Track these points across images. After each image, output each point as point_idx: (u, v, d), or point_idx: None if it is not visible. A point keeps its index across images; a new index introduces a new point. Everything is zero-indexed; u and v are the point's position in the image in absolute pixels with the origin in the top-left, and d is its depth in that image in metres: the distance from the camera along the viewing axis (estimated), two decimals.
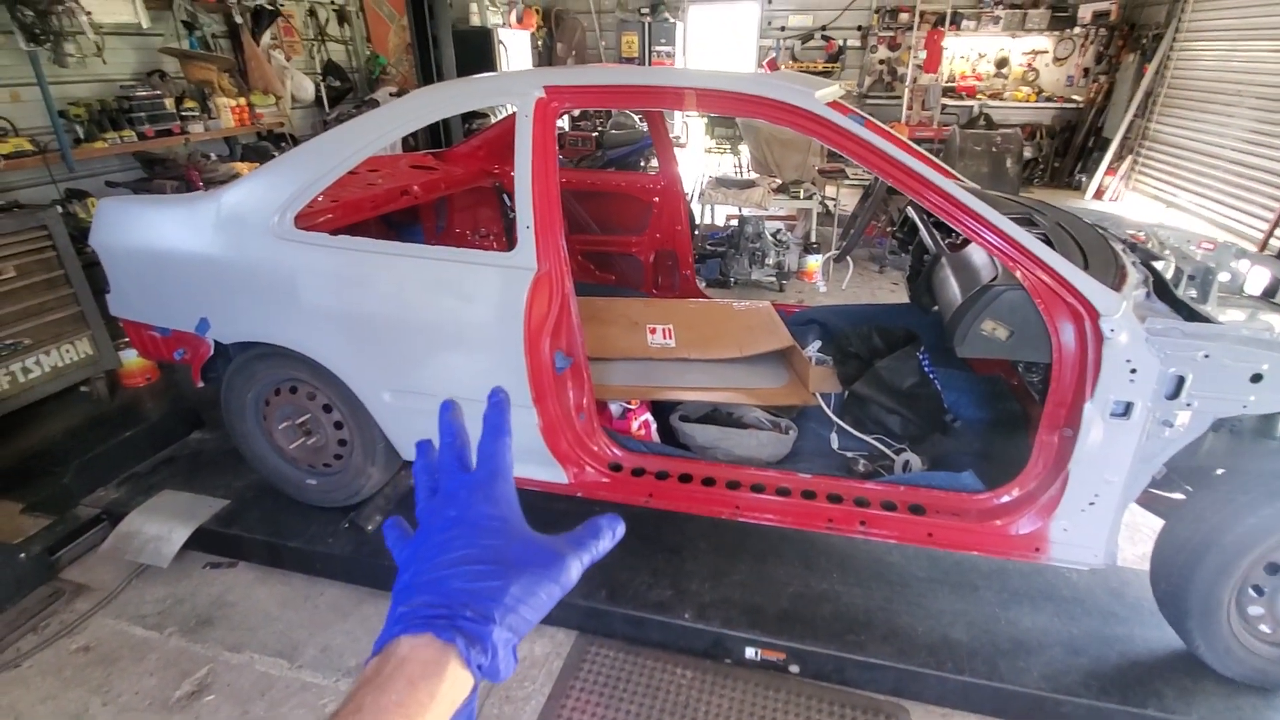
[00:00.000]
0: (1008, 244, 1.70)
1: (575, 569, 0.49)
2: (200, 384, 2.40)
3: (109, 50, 3.90)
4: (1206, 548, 1.74)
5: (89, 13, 3.67)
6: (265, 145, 4.75)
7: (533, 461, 2.13)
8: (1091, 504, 1.77)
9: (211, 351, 2.31)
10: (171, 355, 2.41)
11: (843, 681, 2.00)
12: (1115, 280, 1.72)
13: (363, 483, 2.39)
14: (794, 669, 2.01)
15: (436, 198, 3.19)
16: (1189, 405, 1.63)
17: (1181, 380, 1.60)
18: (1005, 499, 1.87)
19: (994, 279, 1.84)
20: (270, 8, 4.98)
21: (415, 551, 0.49)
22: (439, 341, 2.04)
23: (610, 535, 0.53)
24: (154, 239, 2.26)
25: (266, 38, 4.96)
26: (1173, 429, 1.66)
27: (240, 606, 2.31)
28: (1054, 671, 1.90)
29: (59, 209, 3.35)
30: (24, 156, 3.48)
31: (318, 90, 5.66)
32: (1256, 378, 1.58)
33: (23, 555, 2.33)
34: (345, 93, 5.92)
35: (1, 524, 2.61)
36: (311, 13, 5.71)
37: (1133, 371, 1.62)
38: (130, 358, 3.35)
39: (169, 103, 4.14)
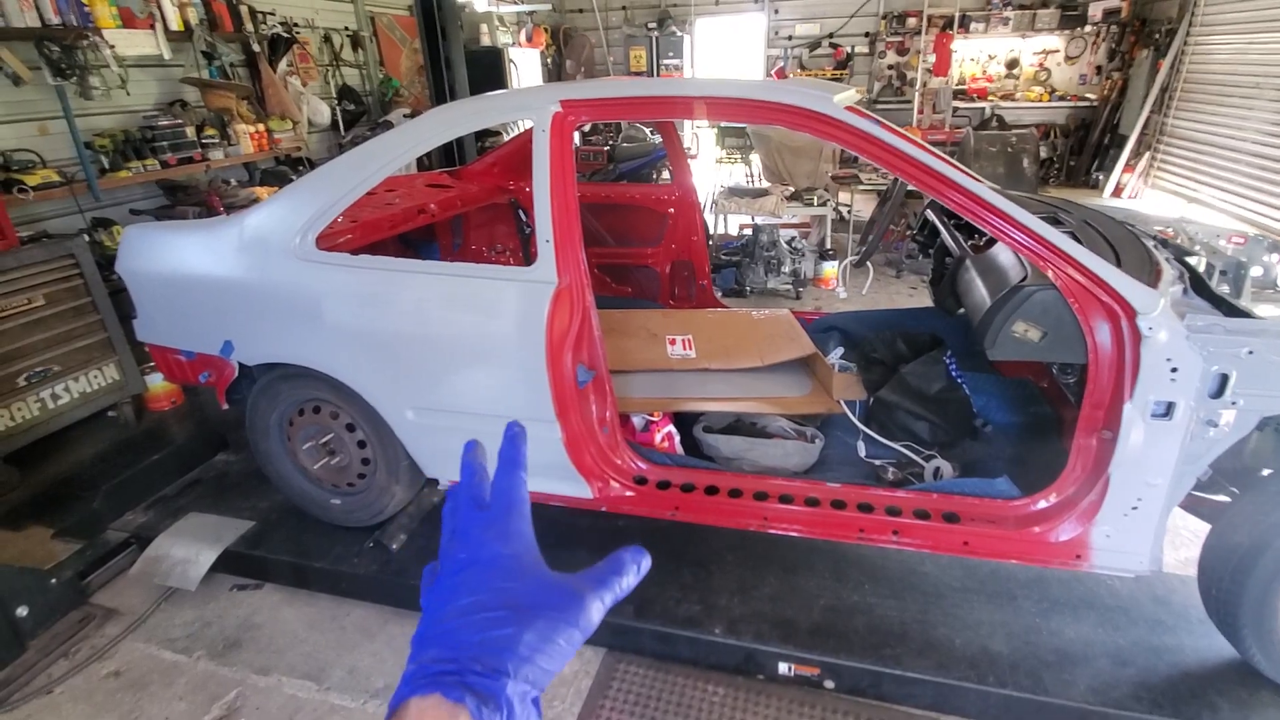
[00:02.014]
0: (1037, 242, 1.66)
1: (596, 610, 0.46)
2: (225, 406, 2.41)
3: (132, 82, 3.99)
4: (1258, 552, 1.68)
5: (113, 46, 3.76)
6: (283, 169, 4.82)
7: (557, 476, 2.11)
8: (1135, 508, 1.71)
9: (236, 374, 2.32)
10: (197, 378, 2.43)
11: (879, 697, 1.94)
12: (1151, 277, 1.67)
13: (386, 501, 2.38)
14: (829, 684, 1.96)
15: (453, 215, 3.21)
16: (1234, 404, 1.57)
17: (1225, 378, 1.55)
18: (1043, 505, 1.81)
19: (1024, 279, 1.80)
20: (286, 35, 5.08)
21: (430, 599, 0.46)
22: (461, 358, 2.03)
23: (635, 570, 0.49)
24: (178, 264, 2.29)
25: (283, 64, 5.06)
26: (1217, 429, 1.61)
27: (267, 628, 2.30)
28: (1102, 684, 1.83)
29: (85, 238, 3.41)
30: (52, 187, 3.55)
31: (333, 114, 5.75)
32: None
33: (54, 580, 2.34)
34: (360, 115, 6.01)
35: (33, 549, 2.64)
36: (326, 39, 5.82)
37: (1173, 370, 1.57)
38: (156, 382, 3.40)
39: (190, 131, 4.23)
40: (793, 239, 5.58)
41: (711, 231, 6.21)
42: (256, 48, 4.78)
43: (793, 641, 2.00)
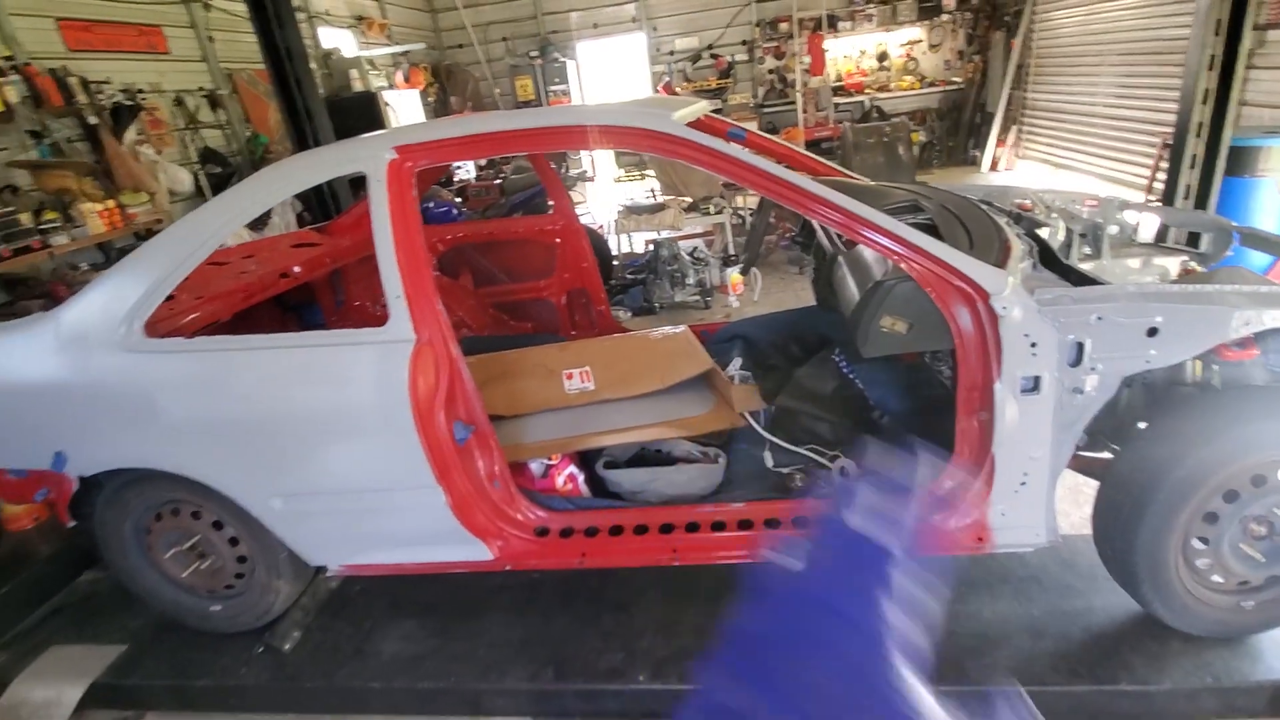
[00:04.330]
0: (888, 238, 1.66)
1: None
2: (71, 523, 2.15)
3: None
4: (1144, 504, 1.70)
5: None
6: None
7: (450, 542, 1.97)
8: (1023, 483, 1.72)
9: (75, 486, 2.06)
10: (33, 497, 2.15)
11: None
12: (999, 257, 1.69)
13: (272, 599, 2.17)
14: None
15: (325, 273, 3.02)
16: (1094, 369, 1.60)
17: (1081, 346, 1.58)
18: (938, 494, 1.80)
19: (885, 274, 1.80)
20: (129, 103, 4.73)
21: None
22: (320, 435, 1.87)
23: None
24: None
25: (131, 133, 4.71)
26: (1084, 395, 1.63)
27: None
28: (1021, 661, 1.83)
29: None
30: None
31: (196, 179, 5.40)
32: (1153, 331, 1.57)
33: None
34: (228, 177, 5.67)
35: None
36: (178, 101, 5.47)
37: (1033, 345, 1.59)
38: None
39: (25, 218, 3.84)
40: (695, 249, 5.61)
41: (617, 252, 6.19)
42: (94, 120, 4.42)
43: None
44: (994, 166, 9.29)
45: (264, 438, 1.87)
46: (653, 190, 8.58)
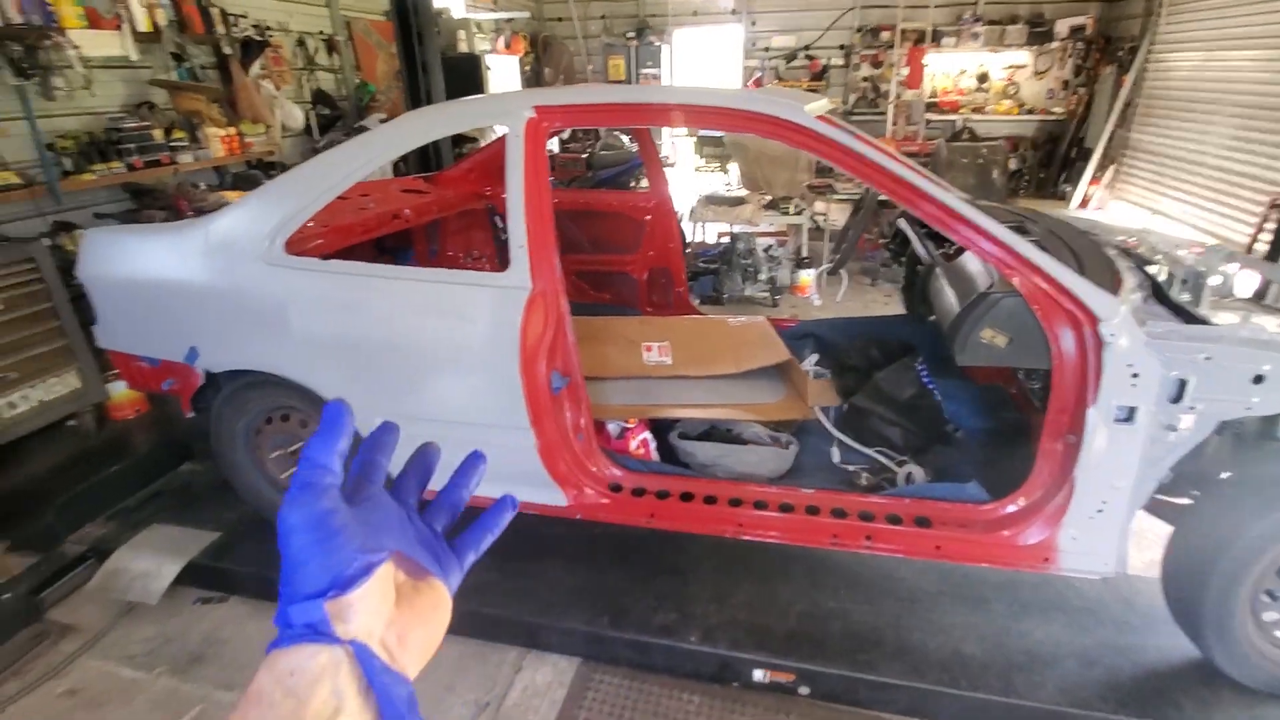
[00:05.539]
0: (1004, 251, 1.70)
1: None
2: (190, 414, 2.35)
3: (98, 83, 3.89)
4: (1218, 554, 1.72)
5: (77, 47, 3.67)
6: (255, 174, 4.72)
7: (530, 484, 2.09)
8: (1100, 511, 1.74)
9: (202, 381, 2.27)
10: (160, 386, 2.37)
11: (855, 702, 1.95)
12: (1112, 285, 1.71)
13: None
14: (804, 690, 1.96)
15: (429, 221, 3.18)
16: (1192, 409, 1.61)
17: (1184, 383, 1.59)
18: (1011, 509, 1.84)
19: (990, 287, 1.83)
20: (259, 39, 5.00)
21: None
22: (433, 364, 2.01)
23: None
24: (141, 269, 2.23)
25: (255, 68, 4.97)
26: (1177, 433, 1.65)
27: (233, 643, 2.24)
28: (1070, 685, 1.86)
29: (46, 242, 3.31)
30: (11, 190, 3.44)
31: (307, 118, 5.66)
32: (1258, 379, 1.57)
33: (7, 596, 2.26)
34: (335, 120, 5.93)
35: None
36: (300, 43, 5.74)
37: (1134, 376, 1.60)
38: (119, 390, 3.30)
39: (158, 133, 4.12)
40: (769, 247, 5.62)
41: (689, 239, 6.25)
42: (228, 51, 4.69)
43: (768, 648, 1.99)
44: (1084, 204, 8.97)
45: (381, 360, 2.02)
46: (727, 182, 8.62)
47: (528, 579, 2.28)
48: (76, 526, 2.63)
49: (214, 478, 2.82)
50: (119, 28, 3.95)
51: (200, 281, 2.14)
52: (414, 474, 0.53)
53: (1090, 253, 1.96)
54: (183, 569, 2.39)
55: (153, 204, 3.96)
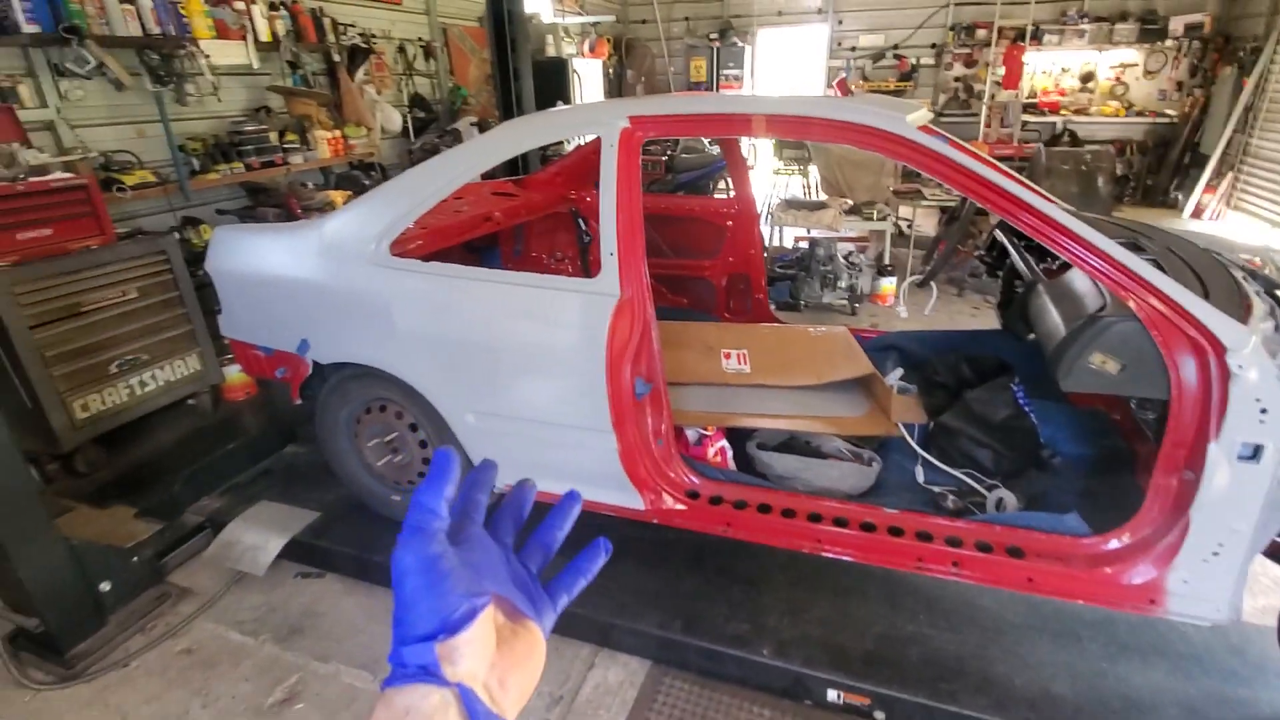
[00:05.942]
0: (1118, 270, 1.61)
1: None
2: (298, 401, 2.53)
3: (223, 89, 4.23)
4: None
5: (208, 56, 4.00)
6: (356, 174, 5.02)
7: (609, 486, 2.14)
8: (1215, 554, 1.62)
9: (310, 371, 2.43)
10: (273, 373, 2.55)
11: None
12: (1241, 312, 1.59)
13: None
14: (879, 715, 1.92)
15: (517, 223, 3.29)
16: None
17: None
18: (1115, 544, 1.74)
19: (1102, 308, 1.74)
20: (365, 46, 5.30)
21: None
22: (523, 365, 2.09)
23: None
24: (262, 265, 2.42)
25: (360, 74, 5.28)
26: None
27: (329, 617, 2.40)
28: None
29: (176, 235, 3.63)
30: (147, 187, 3.79)
31: (404, 121, 5.96)
32: None
33: (135, 559, 2.49)
34: (429, 123, 6.21)
35: (116, 527, 2.81)
36: (401, 49, 6.05)
37: (1263, 411, 1.49)
38: (233, 373, 3.58)
39: (273, 136, 4.45)
40: (849, 253, 5.49)
41: (766, 244, 6.18)
42: (336, 58, 5.00)
43: (843, 669, 1.97)
44: (1198, 214, 8.30)
45: (474, 359, 2.11)
46: (805, 186, 8.46)
47: (603, 578, 2.26)
48: (196, 498, 2.88)
49: (315, 461, 3.02)
50: (243, 38, 4.28)
51: (313, 279, 2.30)
52: (510, 513, 0.54)
53: (1215, 274, 1.82)
54: (286, 544, 2.57)
55: (266, 201, 4.26)
